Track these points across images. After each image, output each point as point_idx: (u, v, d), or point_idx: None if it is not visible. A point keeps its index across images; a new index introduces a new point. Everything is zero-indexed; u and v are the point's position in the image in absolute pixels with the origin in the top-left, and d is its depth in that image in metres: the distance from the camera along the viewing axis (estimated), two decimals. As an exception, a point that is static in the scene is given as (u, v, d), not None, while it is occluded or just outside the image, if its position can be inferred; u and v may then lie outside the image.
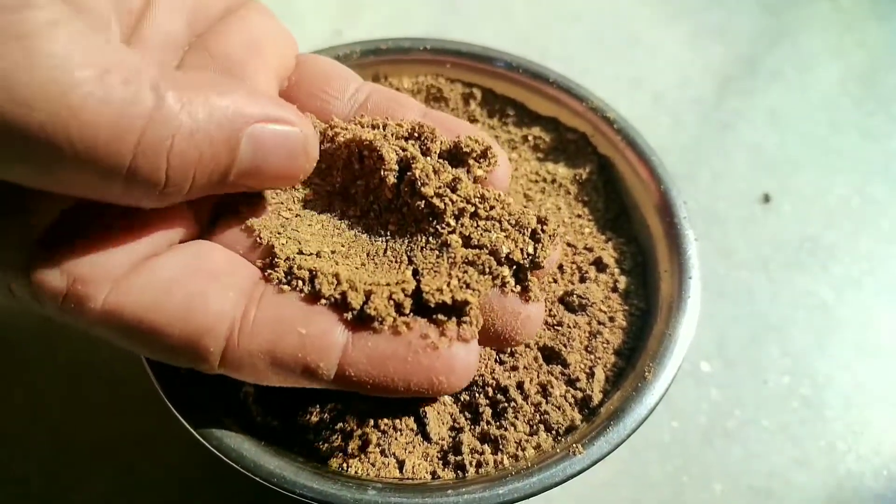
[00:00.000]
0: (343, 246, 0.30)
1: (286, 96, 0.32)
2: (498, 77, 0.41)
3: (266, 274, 0.27)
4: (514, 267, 0.29)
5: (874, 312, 0.49)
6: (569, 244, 0.37)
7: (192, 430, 0.28)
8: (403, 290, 0.27)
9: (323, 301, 0.27)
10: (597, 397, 0.31)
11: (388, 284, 0.27)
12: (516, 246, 0.29)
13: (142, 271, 0.25)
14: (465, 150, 0.30)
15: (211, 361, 0.26)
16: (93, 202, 0.24)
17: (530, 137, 0.41)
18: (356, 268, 0.29)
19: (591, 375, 0.32)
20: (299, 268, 0.27)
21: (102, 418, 0.41)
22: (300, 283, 0.27)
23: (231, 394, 0.31)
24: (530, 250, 0.29)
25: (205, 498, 0.39)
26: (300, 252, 0.28)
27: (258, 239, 0.29)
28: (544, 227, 0.29)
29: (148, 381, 0.29)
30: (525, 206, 0.31)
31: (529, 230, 0.29)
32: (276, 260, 0.28)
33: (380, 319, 0.26)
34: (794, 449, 0.43)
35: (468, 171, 0.30)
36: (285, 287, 0.27)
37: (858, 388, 0.46)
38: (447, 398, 0.31)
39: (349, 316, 0.26)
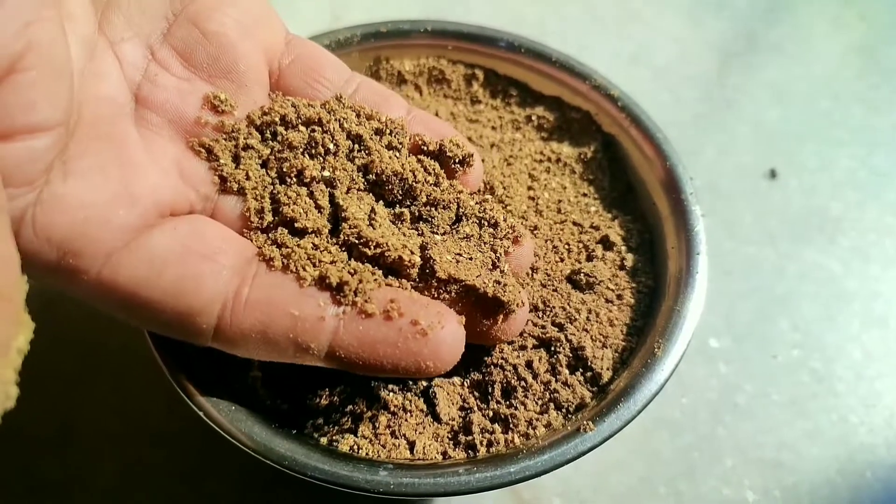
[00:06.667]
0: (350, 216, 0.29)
1: (280, 80, 0.32)
2: (500, 58, 0.41)
3: (260, 251, 0.28)
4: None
5: (882, 284, 0.49)
6: (575, 223, 0.36)
7: (201, 415, 0.28)
8: (409, 251, 0.28)
9: (316, 282, 0.27)
10: (606, 375, 0.31)
11: (387, 254, 0.28)
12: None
13: (136, 246, 0.25)
14: (448, 154, 0.31)
15: (203, 337, 0.26)
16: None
17: (534, 117, 0.41)
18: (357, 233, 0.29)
19: (600, 353, 0.32)
20: (294, 247, 0.27)
21: (111, 408, 0.41)
22: (294, 262, 0.27)
23: (239, 379, 0.31)
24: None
25: (216, 483, 0.39)
26: (295, 230, 0.28)
27: (256, 217, 0.29)
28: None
29: (157, 369, 0.29)
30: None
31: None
32: (270, 237, 0.28)
33: (372, 305, 0.26)
34: (806, 422, 0.43)
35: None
36: (278, 265, 0.27)
37: (869, 361, 0.46)
38: (456, 379, 0.31)
39: (341, 298, 0.26)
